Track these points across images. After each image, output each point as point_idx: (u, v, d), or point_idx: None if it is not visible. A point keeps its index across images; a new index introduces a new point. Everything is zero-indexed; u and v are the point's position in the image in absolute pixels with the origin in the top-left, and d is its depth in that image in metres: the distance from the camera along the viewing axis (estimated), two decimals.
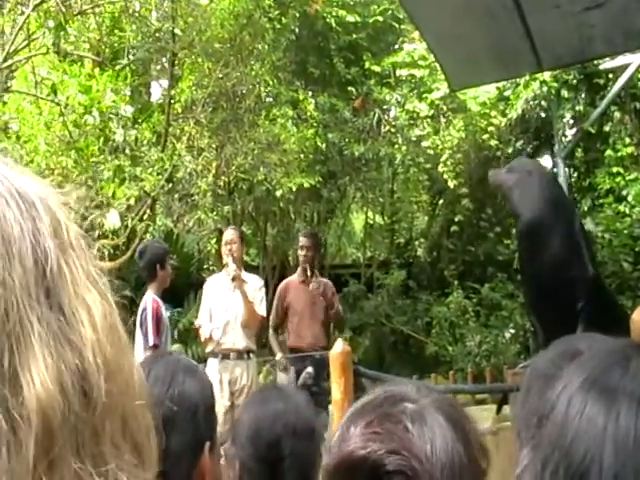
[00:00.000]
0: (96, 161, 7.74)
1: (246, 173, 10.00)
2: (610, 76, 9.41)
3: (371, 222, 13.72)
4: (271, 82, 10.27)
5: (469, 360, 9.87)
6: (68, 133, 7.64)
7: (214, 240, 9.77)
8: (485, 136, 10.75)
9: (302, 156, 10.08)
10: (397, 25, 11.54)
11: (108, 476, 0.47)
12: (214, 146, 10.37)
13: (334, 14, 11.12)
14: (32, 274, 0.47)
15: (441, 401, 0.96)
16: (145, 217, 8.64)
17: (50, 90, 7.36)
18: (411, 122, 11.32)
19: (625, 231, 9.41)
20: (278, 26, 10.33)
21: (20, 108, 7.91)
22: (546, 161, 12.44)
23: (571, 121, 10.20)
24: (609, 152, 9.92)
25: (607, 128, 10.23)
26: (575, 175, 10.94)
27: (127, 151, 8.44)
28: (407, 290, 11.90)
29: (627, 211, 9.58)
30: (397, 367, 10.26)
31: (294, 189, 10.06)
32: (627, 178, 9.73)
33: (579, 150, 10.53)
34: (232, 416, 4.94)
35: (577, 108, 9.58)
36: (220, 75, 9.67)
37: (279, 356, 5.81)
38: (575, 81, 9.55)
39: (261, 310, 5.65)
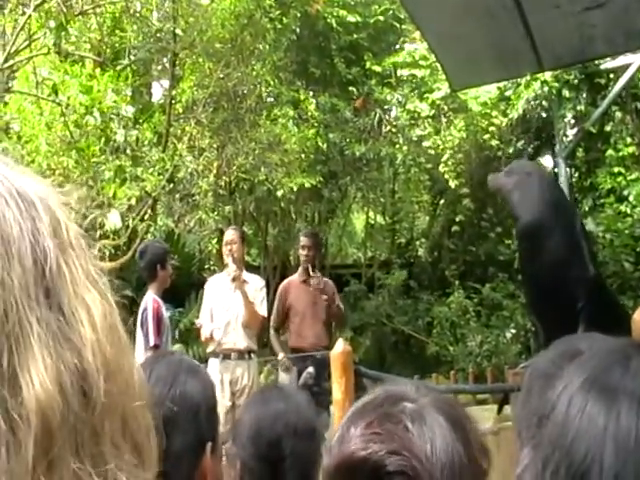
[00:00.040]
0: (97, 161, 7.74)
1: (247, 173, 10.00)
2: (611, 76, 9.40)
3: (372, 222, 13.71)
4: (272, 82, 10.26)
5: (470, 360, 9.87)
6: (69, 133, 7.65)
7: (215, 240, 9.77)
8: (486, 136, 10.74)
9: (303, 156, 10.08)
10: (398, 25, 11.53)
11: (107, 476, 0.47)
12: (215, 146, 10.37)
13: (335, 14, 11.12)
14: (31, 274, 0.47)
15: (440, 400, 0.96)
16: (146, 217, 8.64)
17: (51, 90, 7.37)
18: (412, 122, 11.31)
19: (626, 231, 9.41)
20: (279, 26, 10.33)
21: (21, 108, 7.92)
22: (547, 161, 12.46)
23: (572, 121, 10.18)
24: (610, 152, 9.91)
25: (608, 128, 10.23)
26: (576, 175, 10.94)
27: (128, 151, 8.44)
28: (408, 290, 11.89)
29: (628, 211, 9.57)
30: (398, 367, 10.25)
31: (295, 189, 10.06)
32: (628, 178, 9.72)
33: (580, 150, 10.53)
34: (233, 416, 4.94)
35: (578, 108, 9.56)
36: (221, 75, 9.67)
37: (281, 356, 5.80)
38: (576, 81, 9.54)
39: (262, 310, 5.65)
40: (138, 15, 9.62)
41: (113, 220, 7.77)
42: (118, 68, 9.14)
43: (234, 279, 5.55)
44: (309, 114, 10.71)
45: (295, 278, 6.11)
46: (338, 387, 3.92)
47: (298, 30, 10.93)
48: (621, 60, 7.94)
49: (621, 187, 9.72)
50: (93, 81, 7.53)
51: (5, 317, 0.45)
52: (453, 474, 0.87)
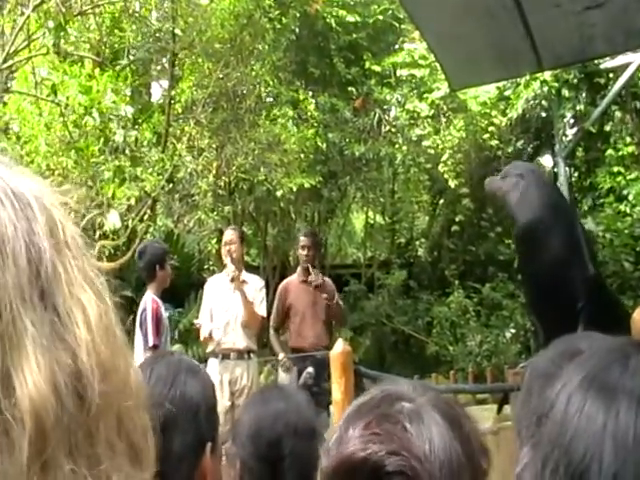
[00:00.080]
0: (96, 161, 7.74)
1: (246, 173, 10.00)
2: (611, 75, 9.41)
3: (372, 222, 13.72)
4: (271, 82, 10.27)
5: (470, 360, 9.87)
6: (68, 133, 7.65)
7: (214, 240, 9.77)
8: (486, 136, 10.75)
9: (302, 156, 10.08)
10: (397, 25, 11.53)
11: (102, 477, 0.46)
12: (214, 146, 10.37)
13: (334, 14, 11.12)
14: (26, 274, 0.47)
15: (437, 399, 0.96)
16: (145, 217, 8.64)
17: (50, 91, 7.36)
18: (411, 122, 11.32)
19: (626, 231, 9.42)
20: (278, 26, 10.33)
21: (20, 109, 7.92)
22: (547, 161, 12.47)
23: (572, 120, 10.19)
24: (610, 151, 9.91)
25: (608, 127, 10.24)
26: (576, 175, 10.94)
27: (127, 151, 8.44)
28: (408, 290, 11.90)
29: (628, 210, 9.57)
30: (398, 367, 10.25)
31: (294, 189, 10.06)
32: (628, 177, 9.73)
33: (580, 149, 10.53)
34: (232, 416, 4.93)
35: (578, 107, 9.57)
36: (220, 75, 9.67)
37: (281, 356, 5.80)
38: (576, 80, 9.54)
39: (261, 310, 5.65)
40: (137, 15, 9.62)
41: (112, 220, 7.77)
42: (117, 68, 9.14)
43: (233, 279, 5.55)
44: (308, 114, 10.71)
45: (295, 278, 6.11)
46: (338, 387, 3.92)
47: (297, 30, 10.94)
48: (621, 59, 7.95)
49: (621, 187, 9.72)
50: (92, 81, 7.53)
51: None
52: (452, 472, 0.87)
